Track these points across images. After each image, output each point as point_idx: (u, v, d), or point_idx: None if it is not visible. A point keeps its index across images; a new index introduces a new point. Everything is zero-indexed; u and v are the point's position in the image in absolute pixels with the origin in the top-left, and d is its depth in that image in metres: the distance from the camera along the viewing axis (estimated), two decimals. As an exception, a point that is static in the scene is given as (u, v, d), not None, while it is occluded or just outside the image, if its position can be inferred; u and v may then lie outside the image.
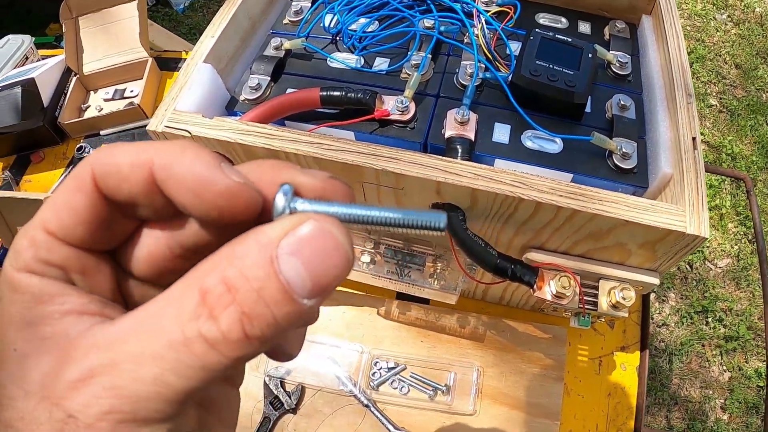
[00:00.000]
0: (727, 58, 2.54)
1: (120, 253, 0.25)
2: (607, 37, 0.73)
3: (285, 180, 0.23)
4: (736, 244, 2.03)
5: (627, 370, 0.83)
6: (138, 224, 0.25)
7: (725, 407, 1.75)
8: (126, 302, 0.26)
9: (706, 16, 2.71)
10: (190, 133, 0.57)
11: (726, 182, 2.16)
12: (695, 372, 1.81)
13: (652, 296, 1.91)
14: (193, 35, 2.66)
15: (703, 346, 1.85)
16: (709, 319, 1.89)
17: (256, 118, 0.60)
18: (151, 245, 0.25)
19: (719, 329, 1.87)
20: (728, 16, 2.71)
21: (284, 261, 0.19)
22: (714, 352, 1.84)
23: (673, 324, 1.89)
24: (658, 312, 1.91)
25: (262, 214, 0.23)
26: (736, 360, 1.82)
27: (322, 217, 0.21)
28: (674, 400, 1.76)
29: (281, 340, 0.26)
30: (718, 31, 2.65)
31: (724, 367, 1.82)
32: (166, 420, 0.20)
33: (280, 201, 0.22)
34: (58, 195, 0.23)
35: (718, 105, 2.40)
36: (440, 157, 0.53)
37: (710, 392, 1.78)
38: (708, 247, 2.03)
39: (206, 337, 0.19)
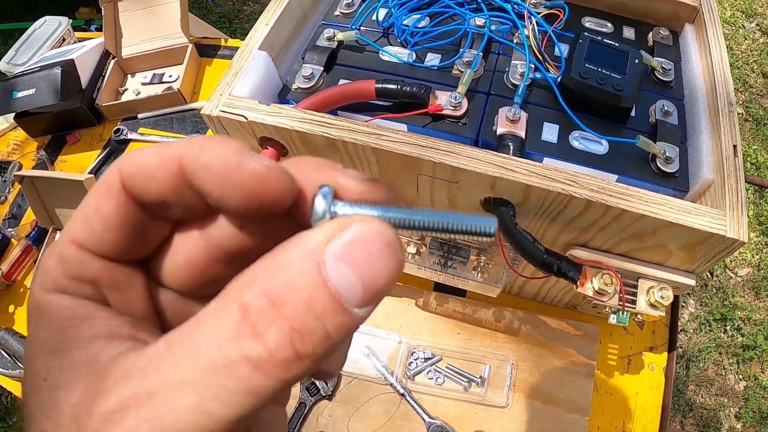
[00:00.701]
0: (755, 67, 2.53)
1: (155, 265, 0.24)
2: (650, 43, 0.73)
3: (325, 180, 0.21)
4: (757, 254, 2.03)
5: (654, 370, 0.84)
6: (171, 229, 0.24)
7: (739, 416, 1.75)
8: (161, 319, 0.25)
9: (735, 23, 2.70)
10: (246, 118, 0.59)
11: (749, 191, 2.16)
12: (711, 379, 1.81)
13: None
14: (222, 24, 2.68)
15: (720, 353, 1.85)
16: (728, 327, 1.89)
17: (312, 106, 0.62)
18: (187, 251, 0.24)
19: (737, 338, 1.87)
20: (756, 25, 2.70)
21: (332, 267, 0.18)
22: (731, 361, 1.84)
23: (691, 330, 1.90)
24: (676, 317, 1.92)
25: (300, 208, 0.21)
26: (753, 369, 1.82)
27: (368, 218, 0.19)
28: (689, 405, 1.77)
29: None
30: (746, 39, 2.64)
31: (740, 376, 1.82)
32: None
33: (319, 205, 0.20)
34: (87, 204, 0.22)
35: (743, 113, 2.39)
36: (496, 152, 0.54)
37: (725, 400, 1.78)
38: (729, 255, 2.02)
39: (251, 357, 0.17)
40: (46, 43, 1.35)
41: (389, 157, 0.55)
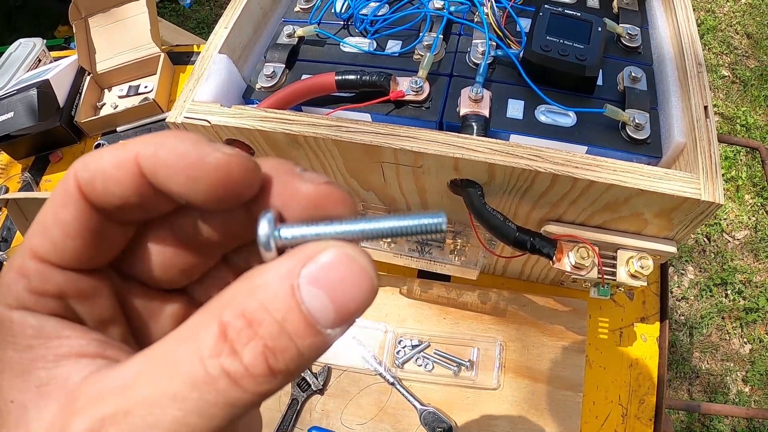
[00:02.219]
0: (738, 28, 2.52)
1: (124, 264, 0.24)
2: (615, 10, 0.73)
3: (280, 189, 0.22)
4: (753, 216, 2.02)
5: (647, 341, 0.84)
6: (135, 229, 0.24)
7: (746, 379, 1.75)
8: (131, 320, 0.25)
9: (716, -14, 2.68)
10: (209, 122, 0.59)
11: (741, 153, 2.15)
12: (716, 345, 1.81)
13: (671, 269, 1.91)
14: (201, 29, 2.67)
15: (722, 318, 1.85)
16: (729, 292, 1.89)
17: (274, 105, 0.62)
18: (155, 247, 0.24)
19: (739, 301, 1.87)
20: (738, -14, 2.68)
21: (306, 291, 0.18)
22: (734, 325, 1.84)
23: (692, 297, 1.89)
24: (677, 285, 1.91)
25: (266, 196, 0.22)
26: (757, 332, 1.82)
27: (343, 243, 0.20)
28: (695, 373, 1.76)
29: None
30: (728, 1, 2.62)
31: (745, 339, 1.82)
32: None
33: (262, 230, 0.21)
34: (44, 215, 0.21)
35: (730, 76, 2.38)
36: (457, 134, 0.54)
37: (731, 365, 1.78)
38: (725, 219, 2.02)
39: (229, 372, 0.18)
40: (22, 65, 1.35)
41: (351, 147, 0.55)
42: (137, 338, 0.25)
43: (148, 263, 0.24)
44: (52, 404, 0.19)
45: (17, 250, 0.22)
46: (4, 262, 1.12)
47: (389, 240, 0.69)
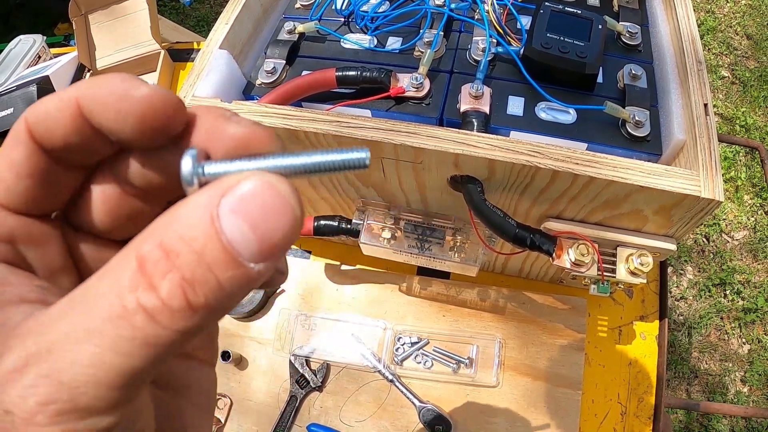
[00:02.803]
0: (738, 29, 2.52)
1: (71, 212, 0.24)
2: (616, 8, 0.73)
3: (209, 131, 0.22)
4: (752, 216, 2.03)
5: (647, 339, 0.84)
6: (83, 176, 0.24)
7: (745, 379, 1.75)
8: (81, 272, 0.25)
9: (716, -13, 2.68)
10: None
11: (741, 153, 2.15)
12: (714, 345, 1.81)
13: (670, 270, 1.91)
14: (201, 27, 2.67)
15: (721, 318, 1.85)
16: (727, 292, 1.89)
17: (274, 100, 0.62)
18: (100, 193, 0.24)
19: (737, 301, 1.87)
20: (738, -13, 2.68)
21: (226, 221, 0.18)
22: (733, 325, 1.84)
23: (691, 297, 1.89)
24: (676, 285, 1.92)
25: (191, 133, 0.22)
26: (755, 332, 1.82)
27: (263, 173, 0.19)
28: (694, 373, 1.76)
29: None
30: (728, 2, 2.62)
31: (743, 340, 1.82)
32: (111, 408, 0.17)
33: (185, 166, 0.20)
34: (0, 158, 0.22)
35: (730, 76, 2.38)
36: (457, 130, 0.54)
37: (730, 365, 1.78)
38: (724, 219, 2.02)
39: (146, 307, 0.17)
40: (22, 62, 1.35)
41: (351, 143, 0.55)
42: None
43: (95, 210, 0.24)
44: None
45: None
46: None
47: (401, 223, 0.69)
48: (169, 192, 0.24)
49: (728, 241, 1.99)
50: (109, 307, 0.17)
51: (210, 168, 0.21)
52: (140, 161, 0.23)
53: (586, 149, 0.60)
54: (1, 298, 0.20)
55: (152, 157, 0.23)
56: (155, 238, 0.18)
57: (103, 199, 0.24)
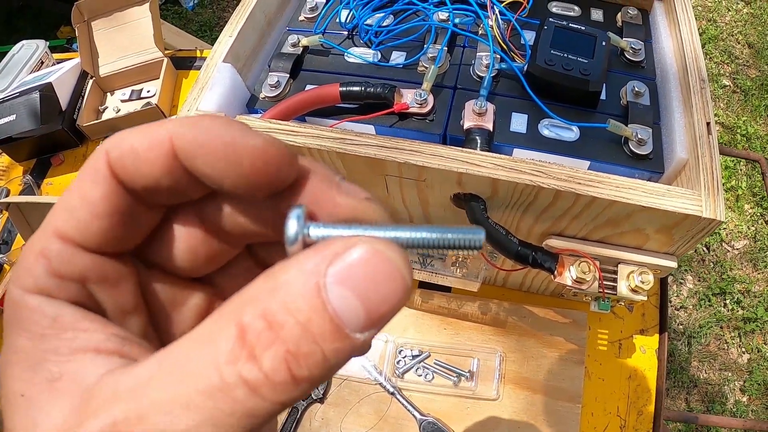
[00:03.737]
0: (740, 38, 2.52)
1: (149, 250, 0.23)
2: (619, 24, 0.73)
3: (316, 194, 0.21)
4: (752, 225, 2.03)
5: (646, 353, 0.84)
6: (163, 214, 0.23)
7: (744, 389, 1.75)
8: (152, 308, 0.24)
9: (717, -5, 2.69)
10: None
11: (741, 163, 2.15)
12: (714, 354, 1.81)
13: (670, 279, 1.91)
14: (203, 32, 2.68)
15: (721, 328, 1.85)
16: (727, 301, 1.89)
17: (278, 115, 0.62)
18: (182, 234, 0.23)
19: (737, 311, 1.87)
20: (739, -5, 2.69)
21: (333, 291, 0.17)
22: (732, 334, 1.84)
23: (691, 306, 1.89)
24: (676, 295, 1.92)
25: (296, 190, 0.21)
26: (755, 342, 1.82)
27: (373, 239, 0.18)
28: (693, 382, 1.76)
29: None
30: (729, 10, 2.63)
31: (743, 349, 1.82)
32: None
33: (291, 228, 0.20)
34: (71, 193, 0.20)
35: (731, 85, 2.38)
36: (461, 148, 0.54)
37: (729, 374, 1.78)
38: (725, 228, 2.02)
39: (247, 380, 0.16)
40: (24, 67, 1.35)
41: (355, 160, 0.55)
42: (158, 329, 0.24)
43: (173, 249, 0.23)
44: (64, 402, 0.18)
45: (37, 233, 0.21)
46: (5, 265, 1.12)
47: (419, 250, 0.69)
48: (253, 236, 0.24)
49: (728, 251, 1.99)
50: (206, 379, 0.16)
51: (316, 231, 0.20)
52: (233, 207, 0.22)
53: (589, 167, 0.60)
54: (72, 345, 0.19)
55: (247, 205, 0.22)
56: (257, 306, 0.17)
57: (183, 238, 0.23)
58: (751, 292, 1.90)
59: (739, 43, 2.52)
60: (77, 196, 0.20)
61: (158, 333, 0.24)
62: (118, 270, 0.22)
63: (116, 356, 0.19)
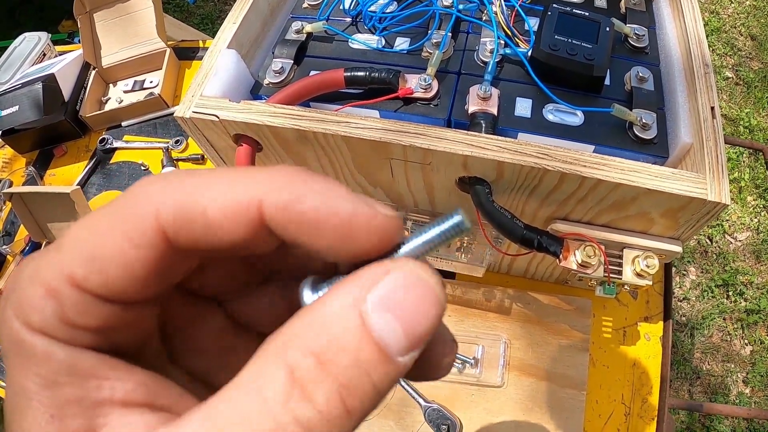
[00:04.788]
0: (742, 30, 2.52)
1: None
2: (623, 10, 0.73)
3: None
4: (755, 217, 2.03)
5: (651, 340, 0.84)
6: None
7: (747, 381, 1.75)
8: (167, 330, 0.22)
9: (720, -13, 2.68)
10: (218, 117, 0.59)
11: (744, 155, 2.15)
12: (717, 346, 1.81)
13: (673, 270, 1.92)
14: (205, 25, 2.67)
15: (724, 319, 1.85)
16: (730, 293, 1.89)
17: (282, 100, 0.62)
18: (224, 268, 0.22)
19: (740, 303, 1.87)
20: (742, -13, 2.68)
21: (375, 318, 0.17)
22: (735, 326, 1.84)
23: (694, 298, 1.89)
24: (678, 286, 1.92)
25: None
26: (758, 333, 1.82)
27: (406, 261, 0.18)
28: (696, 374, 1.77)
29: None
30: (732, 2, 2.62)
31: (746, 341, 1.82)
32: None
33: (308, 299, 0.20)
34: (96, 239, 0.18)
35: (734, 77, 2.38)
36: (466, 131, 0.54)
37: (732, 366, 1.78)
38: (727, 220, 2.02)
39: (302, 421, 0.16)
40: (27, 59, 1.36)
41: (359, 144, 0.55)
42: (174, 351, 0.23)
43: (205, 277, 0.22)
44: None
45: (43, 261, 0.18)
46: (8, 256, 1.13)
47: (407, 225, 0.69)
48: (282, 269, 0.23)
49: (731, 243, 1.99)
50: (260, 425, 0.16)
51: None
52: (304, 259, 0.22)
53: (594, 151, 0.60)
54: (97, 397, 0.17)
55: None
56: (302, 344, 0.17)
57: (216, 268, 0.22)
58: (753, 283, 1.90)
59: (741, 35, 2.51)
60: (108, 248, 0.18)
61: (174, 355, 0.23)
62: (141, 312, 0.20)
63: (148, 409, 0.18)
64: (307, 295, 0.20)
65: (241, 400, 0.16)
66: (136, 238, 0.17)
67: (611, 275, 0.59)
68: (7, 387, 0.18)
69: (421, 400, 0.79)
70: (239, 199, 0.18)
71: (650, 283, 0.60)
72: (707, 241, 2.00)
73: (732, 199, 2.02)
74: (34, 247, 1.10)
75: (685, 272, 1.94)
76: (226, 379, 0.17)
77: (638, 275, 0.60)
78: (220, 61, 0.64)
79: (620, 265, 0.60)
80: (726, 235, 2.00)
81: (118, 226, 0.18)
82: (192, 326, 0.23)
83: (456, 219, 0.20)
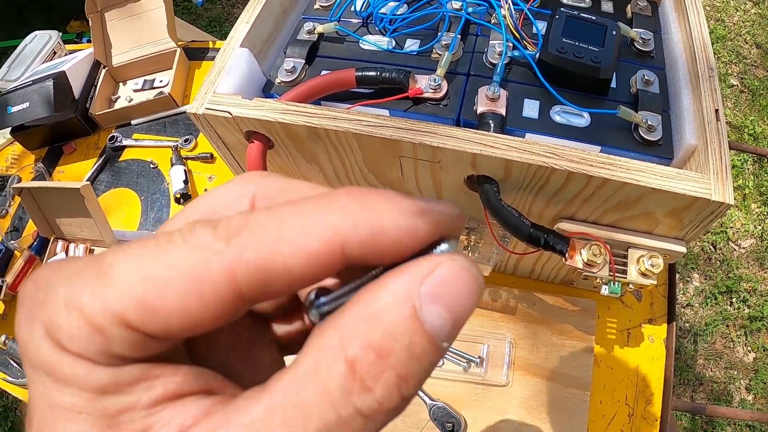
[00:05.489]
0: (748, 38, 2.52)
1: None
2: (629, 15, 0.74)
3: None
4: (759, 225, 2.03)
5: (655, 342, 0.85)
6: None
7: (750, 388, 1.75)
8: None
9: (726, -5, 2.69)
10: (230, 114, 0.60)
11: (749, 162, 2.15)
12: (720, 352, 1.81)
13: (676, 276, 1.92)
14: (213, 27, 2.69)
15: (727, 326, 1.85)
16: (734, 300, 1.89)
17: (294, 98, 0.63)
18: None
19: (743, 310, 1.87)
20: (748, -4, 2.69)
21: (427, 310, 0.17)
22: (738, 333, 1.84)
23: (697, 304, 1.90)
24: (682, 293, 1.92)
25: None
26: (761, 340, 1.82)
27: (455, 255, 0.19)
28: (699, 380, 1.77)
29: None
30: (737, 11, 2.63)
31: (749, 348, 1.82)
32: None
33: (314, 318, 0.20)
34: (162, 294, 0.17)
35: (739, 85, 2.39)
36: (475, 130, 0.55)
37: (735, 373, 1.78)
38: (731, 227, 2.02)
39: (362, 411, 0.16)
40: (37, 57, 1.37)
41: (370, 141, 0.56)
42: (192, 347, 0.22)
43: None
44: None
45: (73, 272, 0.18)
46: (16, 251, 1.14)
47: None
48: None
49: (735, 249, 1.99)
50: (324, 416, 0.16)
51: (326, 303, 0.20)
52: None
53: (600, 152, 0.61)
54: (149, 397, 0.18)
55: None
56: (360, 337, 0.17)
57: None
58: (757, 290, 1.90)
59: (747, 43, 2.52)
60: (171, 302, 0.17)
61: (189, 344, 0.23)
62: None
63: (202, 396, 0.18)
64: (313, 316, 0.20)
65: (304, 390, 0.17)
66: (202, 289, 0.17)
67: (616, 274, 0.60)
68: (35, 404, 0.18)
69: (426, 399, 0.80)
70: (320, 246, 0.17)
71: (655, 282, 0.61)
72: (711, 247, 2.00)
73: (736, 206, 2.04)
74: (41, 242, 1.11)
75: (688, 279, 1.95)
76: (247, 372, 0.18)
77: (643, 275, 0.61)
78: (233, 60, 0.65)
79: (625, 264, 0.61)
80: (730, 242, 2.01)
81: (184, 283, 0.17)
82: None
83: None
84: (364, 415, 0.17)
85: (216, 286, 0.17)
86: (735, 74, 2.42)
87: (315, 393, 0.17)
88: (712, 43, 2.47)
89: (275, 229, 0.17)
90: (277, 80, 0.69)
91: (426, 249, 0.19)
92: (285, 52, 0.71)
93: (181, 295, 0.17)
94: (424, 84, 0.63)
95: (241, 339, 0.24)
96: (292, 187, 0.21)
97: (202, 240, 0.17)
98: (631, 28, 0.70)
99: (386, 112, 0.64)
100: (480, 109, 0.61)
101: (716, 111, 0.58)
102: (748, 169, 2.15)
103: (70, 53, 1.39)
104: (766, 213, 2.05)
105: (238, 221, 0.18)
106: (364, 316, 0.17)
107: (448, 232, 0.19)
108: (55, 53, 1.40)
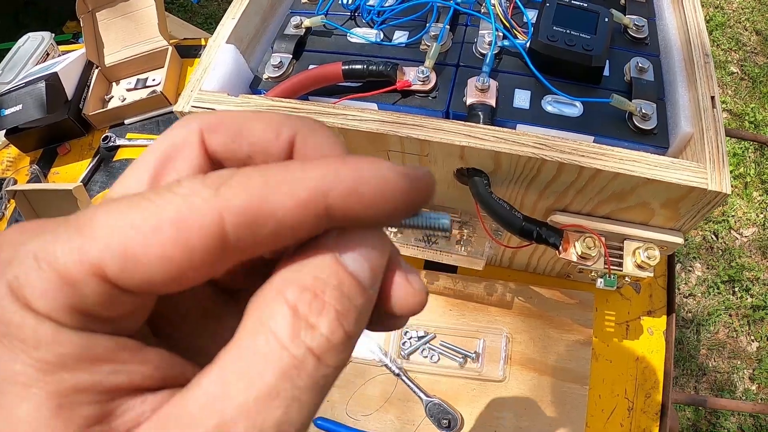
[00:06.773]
0: (747, 25, 2.50)
1: None
2: (622, 1, 0.73)
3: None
4: (761, 213, 2.01)
5: (654, 334, 0.84)
6: None
7: (753, 377, 1.74)
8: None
9: (725, -17, 2.67)
10: (215, 111, 0.59)
11: (750, 150, 2.14)
12: (723, 342, 1.80)
13: (678, 266, 1.91)
14: (209, 25, 2.68)
15: (730, 316, 1.84)
16: (736, 289, 1.88)
17: (281, 94, 0.62)
18: None
19: (746, 299, 1.86)
20: (747, -17, 2.67)
21: (346, 256, 0.18)
22: (741, 322, 1.83)
23: (699, 294, 1.88)
24: (684, 282, 1.91)
25: None
26: (764, 330, 1.81)
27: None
28: (702, 370, 1.76)
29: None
30: (737, -2, 2.61)
31: (752, 337, 1.81)
32: None
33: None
34: (144, 242, 0.16)
35: (739, 72, 2.37)
36: (463, 122, 0.54)
37: (738, 362, 1.77)
38: (733, 216, 2.01)
39: (312, 348, 0.17)
40: (30, 59, 1.36)
41: (357, 136, 0.55)
42: (155, 320, 0.22)
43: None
44: None
45: (43, 229, 0.16)
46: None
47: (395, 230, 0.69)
48: None
49: (737, 238, 1.98)
50: (277, 362, 0.16)
51: None
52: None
53: (593, 142, 0.60)
54: (112, 382, 0.17)
55: None
56: (294, 282, 0.18)
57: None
58: (760, 279, 1.89)
59: (746, 30, 2.50)
60: (154, 250, 0.16)
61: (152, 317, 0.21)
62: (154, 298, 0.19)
63: (164, 390, 0.18)
64: None
65: (254, 343, 0.17)
66: (193, 246, 0.16)
67: (612, 267, 0.59)
68: None
69: (422, 395, 0.79)
70: (308, 194, 0.17)
71: (651, 275, 0.60)
72: (713, 237, 1.99)
73: (737, 194, 2.02)
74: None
75: (690, 268, 1.93)
76: (213, 347, 0.17)
77: (639, 267, 0.60)
78: (219, 56, 0.64)
79: (621, 256, 0.60)
80: (732, 231, 1.99)
81: (171, 230, 0.16)
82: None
83: (444, 220, 0.23)
84: (316, 355, 0.17)
85: (203, 232, 0.16)
86: (735, 61, 2.40)
87: (265, 341, 0.17)
88: (712, 31, 2.46)
89: (263, 179, 0.17)
90: (265, 76, 0.68)
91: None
92: (272, 48, 0.70)
93: (167, 241, 0.16)
94: (412, 76, 0.62)
95: (206, 313, 0.24)
96: (237, 119, 0.21)
97: (190, 188, 0.17)
98: (625, 14, 0.69)
99: (375, 106, 0.63)
100: (469, 100, 0.60)
101: (712, 98, 0.57)
102: (749, 157, 2.13)
103: (64, 54, 1.39)
104: (767, 201, 2.03)
105: (227, 172, 0.18)
106: (293, 269, 0.18)
107: (425, 190, 0.20)
108: (48, 54, 1.39)
